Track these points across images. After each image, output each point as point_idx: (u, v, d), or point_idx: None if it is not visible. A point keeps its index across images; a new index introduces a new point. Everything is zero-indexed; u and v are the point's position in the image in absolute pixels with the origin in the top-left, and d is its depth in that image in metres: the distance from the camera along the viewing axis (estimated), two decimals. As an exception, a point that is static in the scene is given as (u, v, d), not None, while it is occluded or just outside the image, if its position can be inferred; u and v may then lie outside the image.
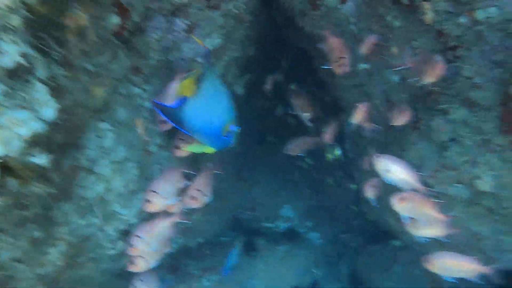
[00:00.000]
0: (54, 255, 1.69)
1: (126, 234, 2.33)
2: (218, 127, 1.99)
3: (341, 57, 2.39)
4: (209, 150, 2.09)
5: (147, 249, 2.04)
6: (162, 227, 2.12)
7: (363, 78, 2.82)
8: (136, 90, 2.03)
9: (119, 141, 1.88)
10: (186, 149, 2.15)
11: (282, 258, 4.20)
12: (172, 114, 1.87)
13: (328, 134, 2.96)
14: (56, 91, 1.21)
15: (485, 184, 2.14)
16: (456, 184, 2.34)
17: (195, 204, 2.27)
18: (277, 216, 4.61)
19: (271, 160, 4.55)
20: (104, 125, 1.76)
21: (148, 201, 2.02)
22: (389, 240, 4.38)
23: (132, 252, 2.00)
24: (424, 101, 2.43)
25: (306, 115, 3.20)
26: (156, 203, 2.04)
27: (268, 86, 3.49)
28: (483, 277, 2.04)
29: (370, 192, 2.54)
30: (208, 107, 1.94)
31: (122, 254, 2.52)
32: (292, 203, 4.66)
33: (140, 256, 2.04)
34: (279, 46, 3.57)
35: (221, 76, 2.79)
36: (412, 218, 2.11)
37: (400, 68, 2.32)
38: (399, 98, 2.62)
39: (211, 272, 3.94)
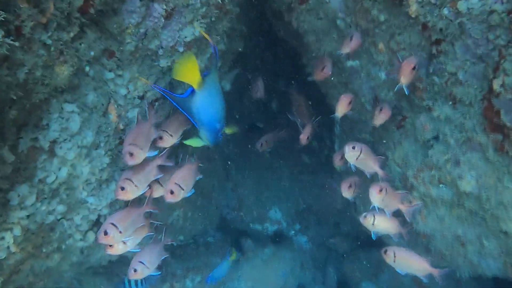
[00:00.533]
0: (8, 240, 1.61)
1: (97, 225, 2.25)
2: (217, 125, 2.16)
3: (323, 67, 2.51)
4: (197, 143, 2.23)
5: (120, 237, 1.93)
6: (136, 215, 2.01)
7: (350, 75, 2.75)
8: (109, 74, 1.96)
9: (87, 126, 1.81)
10: (186, 143, 2.22)
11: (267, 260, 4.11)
12: (181, 102, 2.05)
13: (303, 135, 2.87)
14: (5, 61, 1.14)
15: (467, 184, 2.06)
16: (438, 185, 2.25)
17: (172, 198, 2.14)
18: (265, 218, 4.52)
19: (259, 159, 4.47)
20: (70, 107, 1.69)
21: (122, 188, 1.90)
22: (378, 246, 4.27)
23: (103, 240, 1.88)
24: (409, 98, 2.36)
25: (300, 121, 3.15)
26: (130, 192, 1.94)
27: (257, 87, 3.40)
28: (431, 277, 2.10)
29: (346, 192, 2.46)
30: (211, 104, 2.11)
31: (96, 247, 2.45)
32: (280, 205, 4.58)
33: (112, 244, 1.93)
34: (269, 41, 3.50)
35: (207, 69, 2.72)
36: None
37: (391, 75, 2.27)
38: (386, 95, 2.55)
39: (195, 273, 3.85)
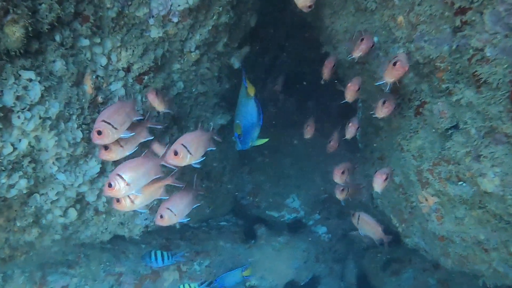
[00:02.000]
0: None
1: (79, 201, 2.10)
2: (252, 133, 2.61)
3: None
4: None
5: (128, 190, 1.70)
6: (150, 167, 1.77)
7: (367, 54, 2.41)
8: (84, 41, 1.76)
9: (52, 95, 1.63)
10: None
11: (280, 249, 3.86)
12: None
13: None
14: None
15: (489, 183, 1.70)
16: (456, 182, 1.90)
17: (176, 161, 1.83)
18: (282, 206, 4.27)
19: (279, 143, 4.21)
20: (27, 74, 1.51)
21: (99, 132, 1.62)
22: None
23: (108, 192, 1.67)
24: (429, 81, 2.00)
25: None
26: (108, 135, 1.67)
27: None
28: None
29: (339, 194, 2.45)
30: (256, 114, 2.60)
31: (83, 224, 2.31)
32: (299, 193, 4.30)
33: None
34: (284, 16, 3.19)
35: (208, 43, 2.48)
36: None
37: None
38: (405, 77, 2.20)
39: (204, 257, 3.68)
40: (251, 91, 2.55)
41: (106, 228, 2.47)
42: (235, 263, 3.77)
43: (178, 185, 1.93)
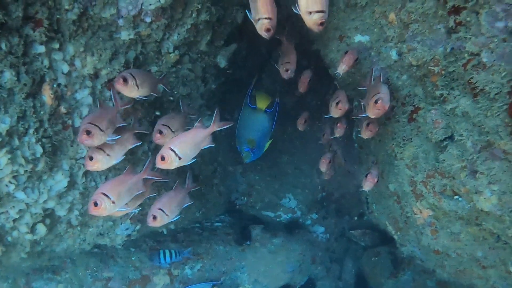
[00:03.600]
0: None
1: (48, 216, 1.96)
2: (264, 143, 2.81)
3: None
4: None
5: (114, 208, 1.68)
6: (133, 183, 1.76)
7: (358, 53, 2.21)
8: (39, 48, 1.59)
9: (1, 109, 1.47)
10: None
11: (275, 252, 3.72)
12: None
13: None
14: None
15: (486, 201, 1.52)
16: (451, 196, 1.72)
17: (153, 223, 1.85)
18: (277, 206, 4.11)
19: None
20: (-31, 88, 1.36)
21: (87, 132, 1.55)
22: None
23: (94, 212, 1.63)
24: (423, 84, 1.81)
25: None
26: (100, 161, 1.66)
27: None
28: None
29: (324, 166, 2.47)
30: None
31: (56, 238, 2.18)
32: (295, 192, 4.13)
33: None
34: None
35: (188, 43, 2.31)
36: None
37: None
38: (398, 79, 2.01)
39: (196, 260, 3.54)
40: (262, 104, 2.63)
41: (84, 240, 2.33)
42: (228, 267, 3.64)
43: (156, 179, 1.88)
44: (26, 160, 1.61)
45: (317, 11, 1.47)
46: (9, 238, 1.89)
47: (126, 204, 1.75)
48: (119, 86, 1.61)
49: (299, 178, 4.20)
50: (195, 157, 1.75)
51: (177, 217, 1.95)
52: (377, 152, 2.57)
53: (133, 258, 3.40)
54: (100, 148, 1.66)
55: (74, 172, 1.90)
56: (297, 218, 4.14)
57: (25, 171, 1.63)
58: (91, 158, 1.65)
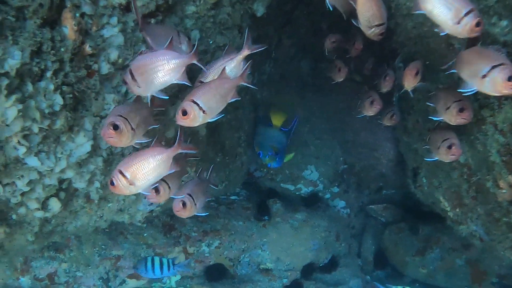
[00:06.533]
0: None
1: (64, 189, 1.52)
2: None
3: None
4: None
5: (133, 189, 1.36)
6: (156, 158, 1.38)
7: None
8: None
9: (8, 39, 1.00)
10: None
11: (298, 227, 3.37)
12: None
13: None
14: None
15: None
16: None
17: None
18: (298, 178, 3.73)
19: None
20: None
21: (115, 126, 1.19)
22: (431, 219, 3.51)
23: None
24: None
25: None
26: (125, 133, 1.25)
27: None
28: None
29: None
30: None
31: (71, 215, 1.75)
32: (317, 164, 3.76)
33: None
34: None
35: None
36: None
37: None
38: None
39: (213, 236, 3.16)
40: (278, 121, 2.69)
41: (101, 216, 1.91)
42: (248, 244, 3.28)
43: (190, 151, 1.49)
44: (41, 114, 1.15)
45: (378, 25, 1.49)
46: (14, 216, 1.44)
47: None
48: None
49: (321, 149, 3.82)
50: (221, 113, 1.40)
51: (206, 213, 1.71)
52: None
53: (144, 235, 3.03)
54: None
55: (98, 133, 1.45)
56: (318, 192, 3.79)
57: (40, 129, 1.17)
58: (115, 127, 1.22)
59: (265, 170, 3.66)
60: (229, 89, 1.40)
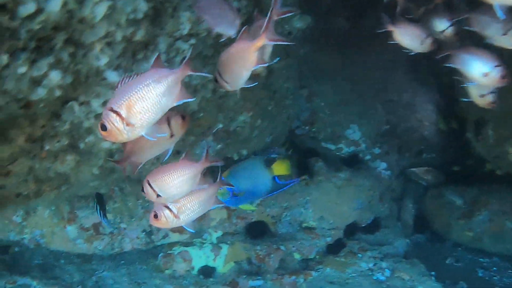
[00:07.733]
0: None
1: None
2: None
3: None
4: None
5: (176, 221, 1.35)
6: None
7: None
8: None
9: None
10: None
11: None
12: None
13: None
14: None
15: None
16: None
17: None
18: (340, 137, 3.60)
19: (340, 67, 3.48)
20: None
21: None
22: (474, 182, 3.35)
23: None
24: None
25: None
26: None
27: None
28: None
29: None
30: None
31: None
32: (360, 123, 3.62)
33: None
34: None
35: None
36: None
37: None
38: None
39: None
40: (278, 171, 2.39)
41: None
42: (290, 202, 3.20)
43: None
44: (127, 19, 1.02)
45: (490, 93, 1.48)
46: (82, 145, 1.34)
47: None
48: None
49: (363, 108, 3.67)
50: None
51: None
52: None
53: (191, 187, 2.96)
54: None
55: (170, 57, 1.32)
56: (360, 152, 3.66)
57: (123, 38, 1.04)
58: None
59: (306, 128, 3.53)
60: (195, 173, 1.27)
